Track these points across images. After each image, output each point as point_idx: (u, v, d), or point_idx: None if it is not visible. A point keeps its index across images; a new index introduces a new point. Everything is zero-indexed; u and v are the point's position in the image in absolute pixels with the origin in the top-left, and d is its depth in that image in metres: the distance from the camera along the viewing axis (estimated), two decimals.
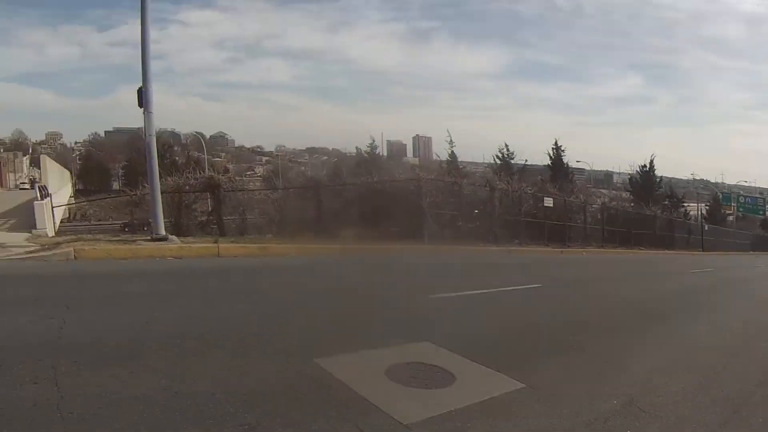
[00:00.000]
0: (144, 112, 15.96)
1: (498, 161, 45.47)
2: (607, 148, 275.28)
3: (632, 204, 43.70)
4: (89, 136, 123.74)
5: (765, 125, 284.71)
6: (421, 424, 5.29)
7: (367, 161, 39.51)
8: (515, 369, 7.27)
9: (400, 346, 7.85)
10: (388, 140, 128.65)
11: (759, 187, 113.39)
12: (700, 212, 69.29)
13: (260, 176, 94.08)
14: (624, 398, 6.71)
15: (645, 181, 53.28)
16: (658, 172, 55.69)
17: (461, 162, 44.36)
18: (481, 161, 48.17)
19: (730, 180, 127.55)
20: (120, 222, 24.92)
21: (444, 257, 19.81)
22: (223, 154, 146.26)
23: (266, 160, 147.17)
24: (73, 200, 39.31)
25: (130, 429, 4.51)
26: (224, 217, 21.14)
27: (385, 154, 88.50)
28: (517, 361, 7.80)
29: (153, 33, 16.47)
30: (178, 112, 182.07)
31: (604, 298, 14.87)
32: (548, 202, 27.52)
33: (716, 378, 7.90)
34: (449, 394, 6.20)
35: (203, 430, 4.67)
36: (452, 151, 42.63)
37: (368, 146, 46.78)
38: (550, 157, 50.67)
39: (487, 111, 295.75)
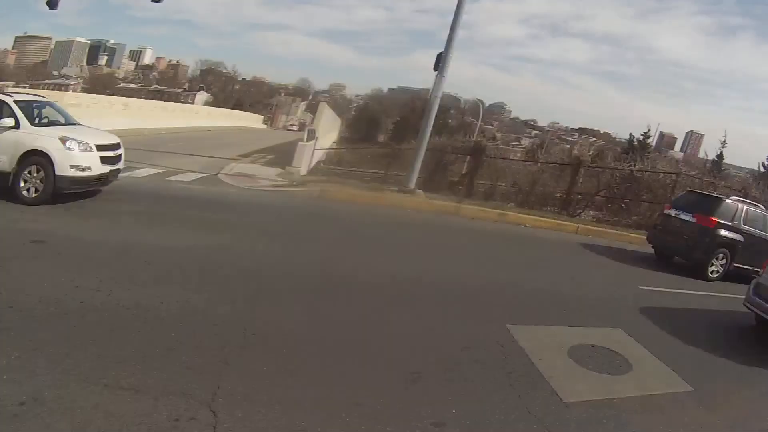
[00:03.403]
0: (437, 75, 18.06)
1: (763, 169, 41.95)
2: None
3: None
4: (371, 91, 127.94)
5: None
6: (581, 404, 5.89)
7: (635, 148, 38.96)
8: (692, 372, 7.53)
9: (593, 328, 8.55)
10: (661, 132, 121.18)
11: None
12: None
13: (524, 148, 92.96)
14: None
15: None
16: None
17: (727, 164, 42.74)
18: (745, 166, 44.22)
19: None
20: (374, 171, 27.02)
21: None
22: (496, 123, 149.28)
23: (535, 134, 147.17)
24: (335, 146, 42.57)
25: None
26: (477, 181, 22.58)
27: (654, 144, 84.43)
28: (697, 364, 8.06)
29: (466, 5, 18.12)
30: (465, 78, 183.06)
31: None
32: None
33: None
34: (618, 382, 6.71)
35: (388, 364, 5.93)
36: (721, 152, 41.01)
37: (641, 135, 45.65)
38: None
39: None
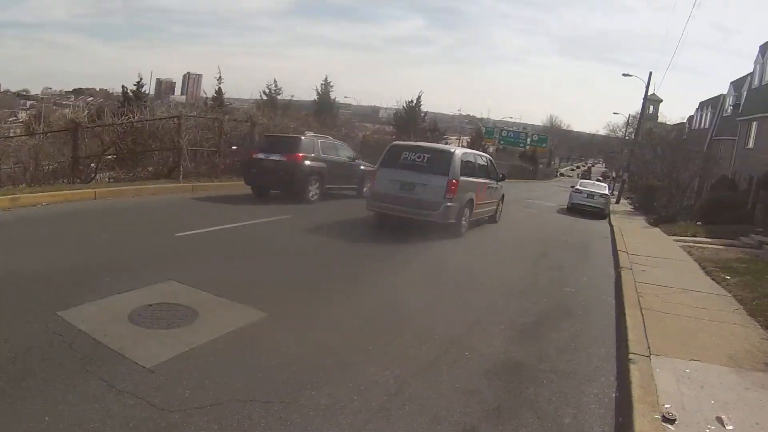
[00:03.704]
0: None
1: (265, 97, 45.92)
2: (378, 85, 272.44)
3: (393, 136, 44.88)
4: None
5: (536, 68, 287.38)
6: (165, 365, 6.15)
7: (131, 100, 38.84)
8: (258, 301, 8.51)
9: (146, 288, 8.74)
10: (158, 78, 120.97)
11: (523, 123, 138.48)
12: (460, 144, 79.99)
13: (22, 122, 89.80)
14: (365, 319, 8.53)
15: (409, 115, 56.94)
16: (426, 108, 60.02)
17: (229, 99, 44.05)
18: (250, 98, 44.07)
19: (497, 116, 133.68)
20: None
21: (197, 194, 20.62)
22: None
23: (30, 105, 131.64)
24: None
25: None
26: None
27: (153, 93, 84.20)
28: (262, 292, 9.11)
29: None
30: None
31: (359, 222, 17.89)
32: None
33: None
34: (192, 331, 7.10)
35: None
36: (219, 88, 41.88)
37: (134, 84, 47.79)
38: (318, 93, 52.88)
39: (264, 48, 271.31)
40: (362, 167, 25.30)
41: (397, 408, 6.00)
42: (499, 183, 22.30)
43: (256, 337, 7.36)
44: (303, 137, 22.29)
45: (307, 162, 21.44)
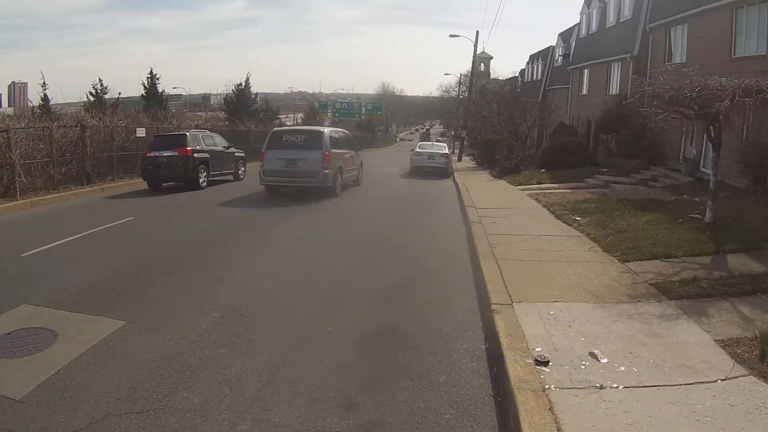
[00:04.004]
0: None
1: (92, 98, 43.37)
2: (208, 72, 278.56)
3: (227, 122, 46.33)
4: None
5: (364, 36, 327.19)
6: (34, 393, 5.94)
7: None
8: (116, 309, 8.47)
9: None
10: None
11: (356, 93, 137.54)
12: (295, 121, 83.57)
13: None
14: (224, 310, 8.53)
15: (240, 98, 56.71)
16: (256, 89, 60.25)
17: (57, 104, 41.53)
18: (79, 101, 45.54)
19: (328, 90, 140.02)
20: None
21: (38, 209, 19.46)
22: None
23: None
24: None
25: None
26: None
27: None
28: (117, 301, 8.95)
29: None
30: None
31: (199, 218, 17.30)
32: (140, 132, 28.35)
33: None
34: (55, 353, 6.89)
35: None
36: (45, 95, 39.80)
37: None
38: (145, 87, 51.48)
39: (87, 47, 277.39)
40: (236, 154, 30.05)
41: (271, 395, 5.95)
42: (358, 152, 27.90)
43: (119, 347, 7.16)
44: (188, 133, 26.05)
45: (196, 154, 24.98)
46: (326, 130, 23.92)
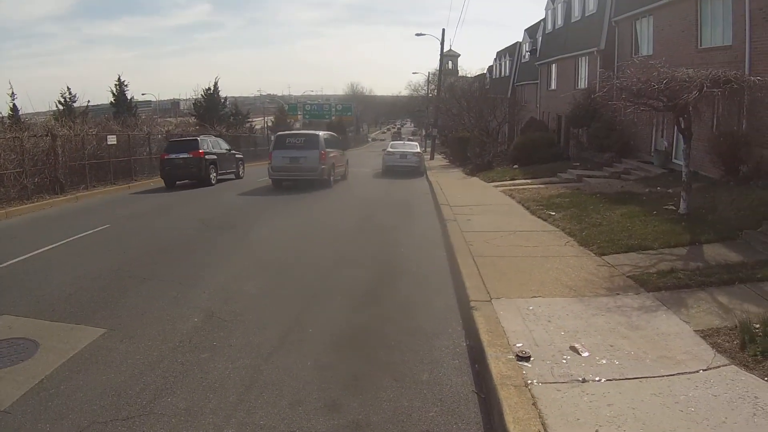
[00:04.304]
0: None
1: (61, 107, 43.56)
2: (175, 77, 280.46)
3: (197, 127, 46.26)
4: None
5: (331, 38, 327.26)
6: (19, 403, 5.92)
7: None
8: (96, 317, 8.45)
9: None
10: None
11: (325, 95, 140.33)
12: (266, 124, 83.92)
13: None
14: (204, 314, 8.52)
15: (209, 103, 57.13)
16: (225, 93, 60.98)
17: (27, 114, 40.35)
18: (48, 110, 45.41)
19: (297, 92, 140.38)
20: None
21: (12, 220, 19.23)
22: None
23: None
24: None
25: None
26: None
27: None
28: (97, 308, 8.89)
29: None
30: None
31: (178, 222, 17.59)
32: (111, 139, 28.90)
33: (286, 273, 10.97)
34: (37, 363, 6.86)
35: None
36: (14, 104, 38.96)
37: None
38: (114, 94, 51.84)
39: (54, 56, 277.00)
40: (237, 155, 34.77)
41: (255, 398, 5.93)
42: (344, 152, 35.09)
43: (100, 354, 7.13)
44: (199, 138, 30.59)
45: (207, 156, 29.38)
46: (321, 133, 29.35)
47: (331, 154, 28.60)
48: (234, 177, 33.36)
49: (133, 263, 11.79)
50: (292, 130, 40.81)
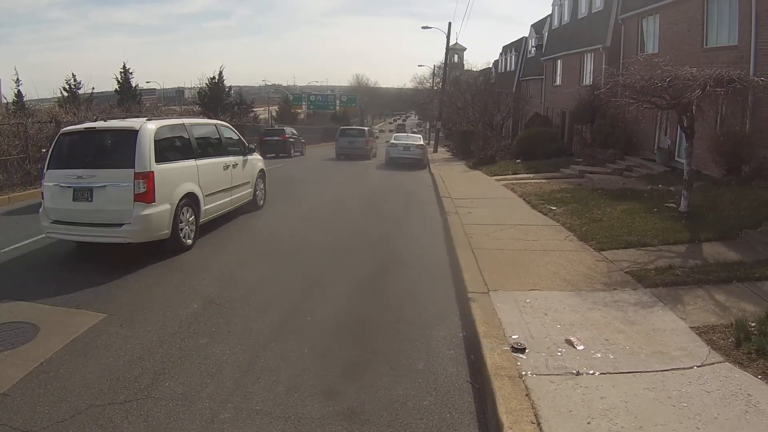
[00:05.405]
0: None
1: (66, 93, 43.10)
2: (180, 65, 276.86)
3: (202, 115, 44.64)
4: None
5: (337, 28, 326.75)
6: (18, 385, 5.98)
7: None
8: (97, 302, 8.48)
9: None
10: None
11: (330, 86, 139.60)
12: (270, 114, 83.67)
13: None
14: (203, 300, 8.55)
15: (214, 92, 56.57)
16: (230, 82, 59.67)
17: (32, 100, 40.86)
18: (53, 96, 45.01)
19: (302, 82, 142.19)
20: None
21: (15, 205, 19.08)
22: None
23: None
24: None
25: None
26: None
27: None
28: (98, 293, 8.93)
29: None
30: None
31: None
32: None
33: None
34: (38, 346, 6.92)
35: None
36: (19, 90, 39.12)
37: None
38: (118, 82, 51.35)
39: (61, 42, 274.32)
40: (302, 140, 50.75)
41: (252, 383, 6.00)
42: (375, 139, 51.67)
43: (100, 339, 7.16)
44: (285, 128, 48.88)
45: (290, 139, 45.73)
46: (366, 128, 48.03)
47: (370, 141, 43.91)
48: (299, 154, 48.11)
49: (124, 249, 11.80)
50: (350, 126, 59.53)
